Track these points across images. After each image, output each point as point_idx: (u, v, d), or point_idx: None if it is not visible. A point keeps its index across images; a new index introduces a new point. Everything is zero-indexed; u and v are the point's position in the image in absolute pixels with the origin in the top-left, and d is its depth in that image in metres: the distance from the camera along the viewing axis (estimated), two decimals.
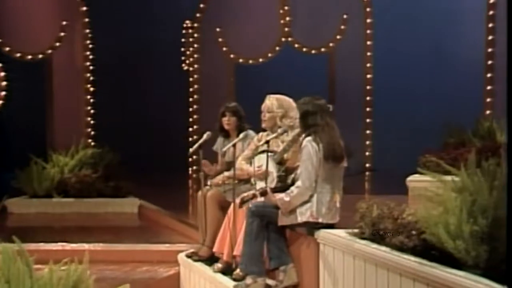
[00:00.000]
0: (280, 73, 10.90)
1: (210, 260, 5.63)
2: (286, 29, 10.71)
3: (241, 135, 5.45)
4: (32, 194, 8.39)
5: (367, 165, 10.52)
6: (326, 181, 4.55)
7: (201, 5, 11.02)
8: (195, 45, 11.15)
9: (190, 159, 11.35)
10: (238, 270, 5.05)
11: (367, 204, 4.16)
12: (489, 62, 9.67)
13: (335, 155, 4.55)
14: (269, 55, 10.85)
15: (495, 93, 9.64)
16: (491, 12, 9.63)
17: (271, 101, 5.43)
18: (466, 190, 3.81)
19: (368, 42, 10.53)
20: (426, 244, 3.75)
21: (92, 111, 10.00)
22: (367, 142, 10.58)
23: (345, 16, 10.53)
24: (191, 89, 11.24)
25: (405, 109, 10.52)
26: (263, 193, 4.66)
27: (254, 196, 4.73)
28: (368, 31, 10.51)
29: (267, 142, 5.00)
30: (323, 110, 4.65)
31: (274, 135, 5.11)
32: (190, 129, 11.24)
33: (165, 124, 11.51)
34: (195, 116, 11.25)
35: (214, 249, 5.42)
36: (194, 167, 11.27)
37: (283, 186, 4.78)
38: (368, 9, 10.47)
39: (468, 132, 7.88)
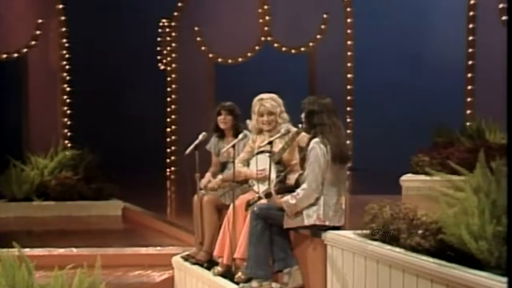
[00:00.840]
0: (260, 73, 10.85)
1: (208, 263, 5.56)
2: (266, 28, 10.67)
3: (241, 135, 5.37)
4: (11, 198, 8.16)
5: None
6: (332, 183, 4.52)
7: (179, 4, 10.90)
8: (173, 44, 11.03)
9: (168, 160, 11.26)
10: (240, 274, 4.98)
11: (379, 205, 4.14)
12: (470, 62, 9.79)
13: (342, 157, 4.52)
14: (249, 54, 10.80)
15: (475, 92, 9.78)
16: (471, 13, 9.76)
17: (270, 103, 5.37)
18: (481, 191, 3.82)
19: (349, 42, 10.55)
20: (442, 245, 3.75)
21: (68, 112, 9.81)
22: (348, 142, 10.60)
23: (325, 16, 10.54)
24: (169, 89, 11.11)
25: (386, 108, 10.57)
26: (268, 195, 4.60)
27: (259, 198, 4.66)
28: (349, 31, 10.53)
29: (271, 142, 4.94)
30: (329, 110, 4.61)
31: (278, 135, 5.05)
32: (168, 129, 11.13)
33: (143, 124, 11.35)
34: (173, 116, 11.13)
35: (215, 253, 5.34)
36: (172, 168, 11.17)
37: (283, 186, 4.74)
38: (348, 9, 10.49)
39: (456, 132, 7.95)
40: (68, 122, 9.77)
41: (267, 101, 5.38)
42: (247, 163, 5.35)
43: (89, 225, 7.56)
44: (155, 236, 6.88)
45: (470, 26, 9.73)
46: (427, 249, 3.78)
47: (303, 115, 4.70)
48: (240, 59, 10.78)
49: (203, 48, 10.84)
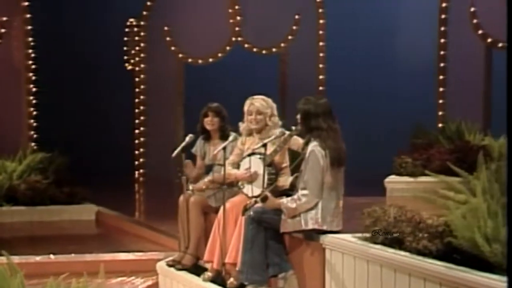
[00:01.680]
0: (231, 73, 10.77)
1: (195, 268, 5.45)
2: (237, 28, 10.58)
3: (231, 137, 5.27)
4: None
5: None
6: (331, 188, 4.46)
7: (148, 3, 10.73)
8: (142, 44, 10.84)
9: (136, 162, 11.05)
10: (232, 279, 4.89)
11: (382, 208, 4.10)
12: (442, 64, 9.91)
13: (340, 160, 4.48)
14: (219, 55, 10.70)
15: (447, 94, 9.90)
16: (443, 16, 9.88)
17: (260, 103, 5.30)
18: (488, 193, 3.83)
19: (321, 43, 10.54)
20: (448, 248, 3.74)
21: (34, 113, 9.53)
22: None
23: (297, 17, 10.51)
24: (137, 90, 10.92)
25: (359, 110, 10.61)
26: (264, 198, 4.52)
27: (255, 202, 4.57)
28: (321, 32, 10.53)
29: (265, 145, 4.86)
30: (325, 112, 4.56)
31: (273, 137, 4.98)
32: (137, 131, 10.93)
33: (111, 126, 11.11)
34: (142, 118, 10.94)
35: (205, 258, 5.23)
36: (141, 170, 10.99)
37: (277, 189, 4.67)
38: (320, 10, 10.48)
39: (434, 133, 8.02)
40: (34, 124, 9.50)
41: (257, 100, 5.32)
42: (237, 165, 5.27)
43: (62, 231, 7.33)
44: (133, 241, 6.71)
45: (442, 28, 9.85)
46: (434, 252, 3.77)
47: (298, 117, 4.63)
48: (210, 60, 10.66)
49: (172, 48, 10.69)
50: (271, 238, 4.62)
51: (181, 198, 5.63)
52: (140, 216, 8.42)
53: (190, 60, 10.71)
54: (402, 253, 3.90)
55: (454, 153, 7.07)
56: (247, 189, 5.22)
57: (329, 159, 4.42)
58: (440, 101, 9.88)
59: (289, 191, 4.63)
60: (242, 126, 5.36)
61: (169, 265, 5.55)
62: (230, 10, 10.56)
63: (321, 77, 10.65)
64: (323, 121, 4.50)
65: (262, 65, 10.73)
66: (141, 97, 10.85)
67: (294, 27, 10.57)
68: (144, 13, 10.74)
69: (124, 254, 6.17)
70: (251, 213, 4.61)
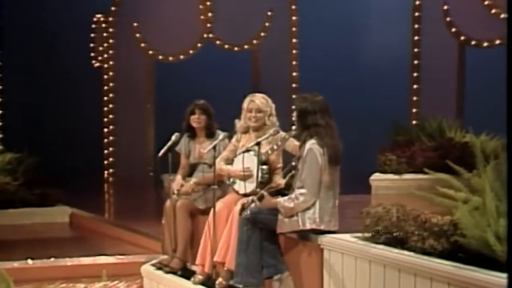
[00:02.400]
0: (203, 70, 10.62)
1: (182, 271, 5.32)
2: (208, 25, 10.45)
3: (221, 136, 5.14)
4: None
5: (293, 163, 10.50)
6: (328, 187, 4.39)
7: None
8: (110, 41, 10.62)
9: (106, 162, 10.82)
10: (220, 279, 4.79)
11: (384, 207, 4.05)
12: (415, 62, 9.97)
13: (337, 158, 4.41)
14: (191, 52, 10.56)
15: (420, 92, 9.96)
16: (416, 14, 9.94)
17: (260, 101, 5.20)
18: (493, 191, 3.81)
19: (294, 40, 10.50)
20: (454, 247, 3.71)
21: (0, 112, 9.25)
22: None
23: (269, 13, 10.44)
24: (106, 88, 10.70)
25: (333, 107, 10.57)
26: (260, 198, 4.42)
27: (252, 201, 4.47)
28: (294, 29, 10.48)
29: (259, 143, 4.76)
30: (322, 109, 4.48)
31: (266, 136, 4.88)
32: (106, 129, 10.71)
33: (79, 124, 10.84)
34: (110, 116, 10.72)
35: (197, 262, 5.10)
36: (111, 170, 10.76)
37: (273, 189, 4.58)
38: (293, 7, 10.44)
39: (414, 130, 8.04)
40: (0, 123, 9.22)
41: (258, 98, 5.23)
42: (230, 161, 5.15)
43: (36, 234, 7.08)
44: (113, 244, 6.53)
45: (416, 26, 9.90)
46: (440, 252, 3.73)
47: (294, 115, 4.55)
48: (181, 57, 10.52)
49: (142, 45, 10.50)
50: (265, 239, 4.52)
51: (168, 203, 5.49)
52: (110, 217, 8.22)
53: (160, 57, 10.54)
54: (407, 252, 3.86)
55: (437, 150, 7.09)
56: (238, 186, 5.12)
57: (327, 157, 4.35)
58: (414, 98, 9.94)
59: (285, 191, 4.55)
60: (238, 123, 5.26)
61: (157, 268, 5.41)
62: (201, 6, 10.42)
63: (294, 74, 10.61)
64: (321, 118, 4.42)
65: (234, 62, 10.62)
66: (110, 95, 10.64)
67: (267, 24, 10.50)
68: (113, 8, 10.52)
69: (105, 257, 5.99)
70: (247, 212, 4.50)
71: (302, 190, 4.34)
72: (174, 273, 5.30)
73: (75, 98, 10.98)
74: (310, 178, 4.32)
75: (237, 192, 5.15)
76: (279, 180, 5.11)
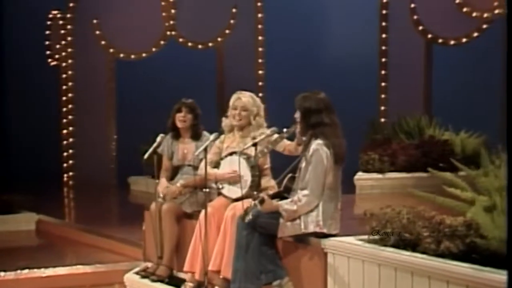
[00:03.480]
0: (166, 69, 10.36)
1: (169, 279, 5.12)
2: (171, 22, 10.22)
3: (212, 137, 4.93)
4: None
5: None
6: (332, 189, 4.27)
7: None
8: (69, 38, 10.26)
9: (65, 165, 10.45)
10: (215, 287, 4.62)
11: (394, 209, 3.95)
12: (383, 59, 9.99)
13: (342, 158, 4.30)
14: (153, 49, 10.30)
15: (388, 89, 9.98)
16: (384, 11, 9.95)
17: (247, 99, 5.05)
18: (503, 189, 3.76)
19: (260, 37, 10.37)
20: (469, 249, 3.65)
21: None
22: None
23: (234, 10, 10.28)
24: (64, 87, 10.33)
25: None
26: (261, 201, 4.26)
27: (255, 205, 4.30)
28: (259, 26, 10.35)
29: (255, 144, 4.60)
30: (327, 107, 4.36)
31: (263, 136, 4.73)
32: (65, 131, 10.33)
33: (36, 126, 10.44)
34: (70, 117, 10.35)
35: (185, 268, 4.91)
36: (71, 173, 10.39)
37: (276, 191, 4.43)
38: (259, 4, 10.30)
39: (390, 128, 8.01)
40: None
41: (245, 96, 5.07)
42: (215, 164, 4.96)
43: (1, 244, 6.68)
44: (88, 252, 6.23)
45: (383, 24, 9.92)
46: (455, 254, 3.66)
47: (298, 114, 4.41)
48: (144, 55, 10.24)
49: (102, 42, 10.17)
50: (264, 243, 4.38)
51: (153, 206, 5.27)
52: (70, 222, 7.90)
53: (122, 55, 10.24)
54: (420, 255, 3.78)
55: (419, 148, 7.08)
56: (228, 190, 4.96)
57: (333, 157, 4.23)
58: (382, 96, 9.96)
59: (284, 194, 4.41)
60: (224, 121, 5.09)
61: (142, 277, 5.19)
62: (163, 3, 10.17)
63: (260, 72, 10.48)
64: (326, 116, 4.30)
65: (199, 60, 10.41)
66: (69, 95, 10.27)
67: (232, 21, 10.33)
68: (71, 4, 10.16)
69: (82, 267, 5.70)
70: (250, 217, 4.32)
71: (305, 192, 4.21)
72: (161, 281, 5.10)
73: (31, 99, 10.57)
74: (314, 179, 4.19)
75: (225, 196, 4.99)
76: (269, 182, 4.98)
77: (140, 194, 8.68)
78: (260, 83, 10.38)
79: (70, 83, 10.21)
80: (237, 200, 4.90)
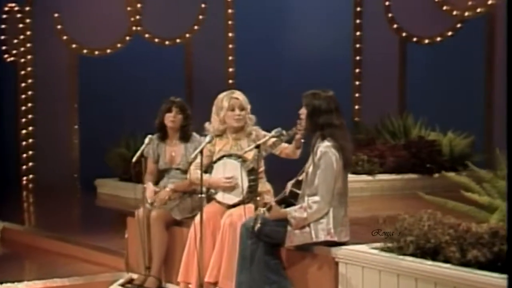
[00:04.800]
0: (132, 66, 9.96)
1: None
2: (137, 17, 9.85)
3: (208, 138, 4.61)
4: None
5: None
6: (341, 194, 4.05)
7: None
8: (27, 33, 9.78)
9: (24, 167, 9.97)
10: None
11: (414, 216, 3.76)
12: (357, 57, 9.86)
13: (351, 162, 4.09)
14: (118, 45, 9.91)
15: (362, 88, 9.86)
16: (358, 9, 9.82)
17: (242, 97, 4.80)
18: None
19: (230, 34, 10.10)
20: (496, 257, 3.49)
21: None
22: None
23: (203, 5, 9.98)
24: (23, 84, 9.84)
25: (270, 105, 10.26)
26: (269, 208, 4.00)
27: (263, 213, 4.04)
28: (230, 22, 10.08)
29: (258, 146, 4.33)
30: (337, 107, 4.14)
31: (266, 138, 4.48)
32: (24, 131, 9.85)
33: None
34: (29, 116, 9.87)
35: (180, 279, 4.62)
36: (30, 176, 9.92)
37: (281, 198, 4.18)
38: None
39: (374, 129, 7.87)
40: None
41: (239, 94, 4.81)
42: (206, 168, 4.68)
43: None
44: (62, 262, 5.82)
45: (358, 21, 9.79)
46: (481, 263, 3.50)
47: (304, 113, 4.17)
48: (108, 51, 9.84)
49: (64, 37, 9.74)
50: (268, 253, 4.13)
51: (140, 212, 4.94)
52: (27, 227, 7.45)
53: (85, 51, 9.82)
54: (443, 264, 3.60)
55: (407, 148, 6.95)
56: (222, 196, 4.69)
57: (342, 161, 4.01)
58: (356, 95, 9.83)
59: (290, 199, 4.17)
60: (209, 126, 4.82)
61: None
62: None
63: (230, 70, 10.21)
64: (336, 117, 4.07)
65: (166, 57, 10.05)
66: (29, 92, 9.79)
67: (200, 17, 10.03)
68: None
69: (60, 280, 5.30)
70: (259, 225, 4.06)
71: (316, 198, 3.98)
72: None
73: None
74: (324, 184, 3.96)
75: (219, 202, 4.72)
76: (264, 186, 4.74)
77: (108, 198, 8.30)
78: (230, 81, 10.11)
79: (29, 80, 9.74)
80: (233, 206, 4.66)
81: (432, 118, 8.18)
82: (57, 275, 5.41)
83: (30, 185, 9.67)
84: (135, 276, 5.13)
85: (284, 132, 4.42)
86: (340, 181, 4.04)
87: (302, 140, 4.42)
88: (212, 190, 4.71)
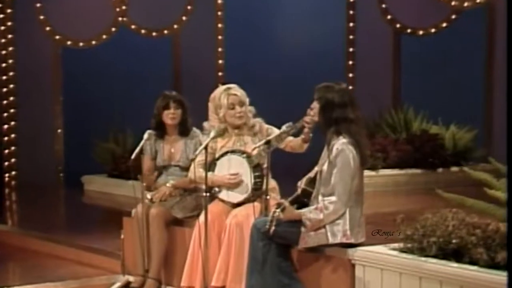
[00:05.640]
0: (118, 58, 9.69)
1: None
2: (123, 7, 9.57)
3: (212, 133, 4.39)
4: None
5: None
6: (358, 193, 3.86)
7: None
8: (8, 23, 9.45)
9: (6, 163, 9.65)
10: None
11: (434, 214, 3.58)
12: (351, 49, 9.68)
13: (368, 159, 3.91)
14: (104, 37, 9.63)
15: (356, 80, 9.69)
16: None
17: (239, 92, 4.58)
18: None
19: (219, 25, 9.86)
20: None
21: None
22: None
23: None
24: (5, 77, 9.51)
25: (261, 97, 10.05)
26: (283, 208, 3.80)
27: (276, 213, 3.83)
28: (219, 13, 9.84)
29: (268, 142, 4.13)
30: (352, 101, 3.94)
31: (277, 133, 4.27)
32: (6, 126, 9.53)
33: None
34: (11, 110, 9.55)
35: (183, 283, 4.40)
36: (13, 173, 9.61)
37: (294, 197, 3.98)
38: None
39: (372, 122, 7.71)
40: None
41: (237, 90, 4.59)
42: (209, 166, 4.46)
43: None
44: (53, 264, 5.54)
45: (351, 12, 9.62)
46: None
47: (316, 107, 3.98)
48: (93, 42, 9.55)
49: (47, 28, 9.43)
50: (279, 255, 3.94)
51: (138, 209, 4.71)
52: (13, 227, 7.19)
53: (69, 42, 9.53)
54: (470, 266, 3.43)
55: (410, 143, 6.79)
56: (227, 195, 4.48)
57: (359, 158, 3.83)
58: (350, 87, 9.64)
59: (303, 199, 3.97)
60: (208, 125, 4.61)
61: None
62: None
63: (220, 61, 9.98)
64: (351, 111, 3.88)
65: (154, 49, 9.79)
66: (10, 86, 9.46)
67: (189, 7, 9.77)
68: None
69: (52, 283, 5.04)
70: (255, 223, 3.86)
71: (332, 199, 3.79)
72: None
73: None
74: (341, 184, 3.77)
75: (223, 201, 4.52)
76: (270, 183, 4.54)
77: (96, 195, 8.04)
78: (220, 73, 9.89)
79: (11, 73, 9.42)
80: (237, 205, 4.46)
81: (426, 110, 8.03)
82: (48, 279, 5.15)
83: (13, 182, 9.37)
84: (132, 278, 4.91)
85: (292, 124, 4.22)
86: (357, 179, 3.85)
87: (311, 134, 4.23)
88: (216, 189, 4.50)
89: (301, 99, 10.53)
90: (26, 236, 6.28)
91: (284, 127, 4.23)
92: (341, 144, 3.82)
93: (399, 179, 6.57)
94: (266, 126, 4.56)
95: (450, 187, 5.34)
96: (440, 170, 6.72)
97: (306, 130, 4.27)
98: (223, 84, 10.55)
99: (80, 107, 9.48)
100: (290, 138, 4.41)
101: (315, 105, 4.00)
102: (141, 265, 4.69)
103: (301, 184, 4.04)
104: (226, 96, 4.53)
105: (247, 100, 4.60)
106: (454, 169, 6.81)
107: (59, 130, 9.50)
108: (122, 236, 5.15)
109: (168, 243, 4.72)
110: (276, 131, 4.39)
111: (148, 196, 4.74)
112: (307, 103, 10.92)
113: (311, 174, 4.04)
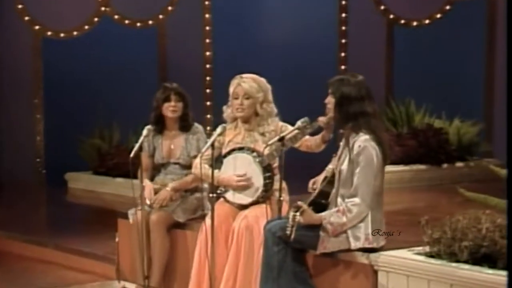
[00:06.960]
0: (101, 50, 9.33)
1: None
2: None
3: (219, 129, 4.09)
4: None
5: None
6: (379, 193, 3.63)
7: None
8: None
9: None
10: None
11: (468, 217, 3.35)
12: (343, 40, 9.45)
13: (389, 156, 3.67)
14: (86, 27, 9.27)
15: (348, 72, 9.46)
16: None
17: (249, 84, 4.30)
18: None
19: (207, 15, 9.54)
20: None
21: None
22: (208, 128, 9.66)
23: None
24: None
25: None
26: (302, 212, 3.53)
27: (295, 217, 3.56)
28: (207, 2, 9.52)
29: (282, 138, 3.85)
30: (369, 93, 3.70)
31: (292, 128, 4.00)
32: None
33: None
34: None
35: None
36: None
37: (312, 199, 3.72)
38: None
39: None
40: None
41: (247, 80, 4.32)
42: (215, 163, 4.18)
43: None
44: (42, 270, 5.20)
45: (343, 2, 9.38)
46: None
47: (331, 102, 3.72)
48: (75, 33, 9.18)
49: (26, 18, 9.04)
50: (295, 260, 3.69)
51: (137, 215, 4.40)
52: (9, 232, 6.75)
53: (49, 33, 9.14)
54: (503, 273, 3.21)
55: (414, 137, 6.57)
56: (233, 196, 4.21)
57: (382, 156, 3.59)
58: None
59: (321, 200, 3.72)
60: (226, 111, 4.34)
61: None
62: None
63: (207, 53, 9.66)
64: (369, 104, 3.63)
65: (138, 40, 9.45)
66: None
67: None
68: None
69: None
70: (270, 227, 3.60)
71: (356, 200, 3.54)
72: None
73: None
74: (364, 184, 3.52)
75: (229, 202, 4.25)
76: (277, 184, 4.28)
77: (82, 193, 7.70)
78: (207, 66, 9.56)
79: None
80: (246, 207, 4.19)
81: (428, 104, 7.83)
82: (36, 285, 4.85)
83: None
84: (128, 285, 4.62)
85: (308, 120, 3.95)
86: (379, 179, 3.61)
87: (331, 135, 3.97)
88: (222, 188, 4.23)
89: (292, 91, 10.32)
90: (8, 239, 5.92)
91: (299, 123, 3.96)
92: (363, 141, 3.57)
93: (404, 175, 6.34)
94: (281, 123, 4.30)
95: (456, 184, 5.14)
96: (445, 165, 6.53)
97: (326, 132, 3.97)
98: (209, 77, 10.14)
99: (62, 100, 9.13)
100: (306, 137, 4.15)
101: (330, 99, 3.75)
102: (141, 273, 4.39)
103: (315, 185, 3.79)
104: (235, 85, 4.29)
105: (259, 95, 4.30)
106: (459, 164, 6.62)
107: (40, 125, 9.14)
108: (117, 239, 4.85)
109: (170, 249, 4.44)
110: (290, 129, 4.12)
111: (148, 201, 4.44)
112: (299, 94, 10.63)
113: (327, 174, 3.79)
